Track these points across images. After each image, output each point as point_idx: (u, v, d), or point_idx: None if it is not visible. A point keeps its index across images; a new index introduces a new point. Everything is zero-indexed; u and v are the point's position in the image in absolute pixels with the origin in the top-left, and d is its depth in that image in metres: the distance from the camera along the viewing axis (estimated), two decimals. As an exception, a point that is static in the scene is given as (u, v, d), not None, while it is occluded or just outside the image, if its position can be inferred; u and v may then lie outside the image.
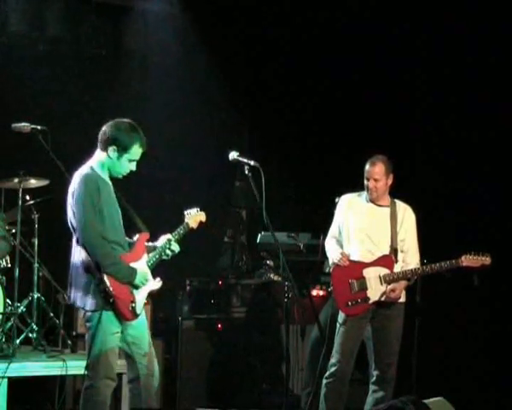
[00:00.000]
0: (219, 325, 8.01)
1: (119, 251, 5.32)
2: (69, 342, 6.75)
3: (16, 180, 6.62)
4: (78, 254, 5.29)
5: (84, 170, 5.37)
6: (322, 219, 6.69)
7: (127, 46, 8.94)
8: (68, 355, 6.42)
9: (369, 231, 6.27)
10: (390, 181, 6.29)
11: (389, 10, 8.50)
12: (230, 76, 8.91)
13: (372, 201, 6.32)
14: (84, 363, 6.16)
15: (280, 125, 9.03)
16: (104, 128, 5.42)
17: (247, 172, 5.51)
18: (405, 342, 6.48)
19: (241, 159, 5.57)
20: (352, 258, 6.23)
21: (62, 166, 6.37)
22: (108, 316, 5.27)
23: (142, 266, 5.41)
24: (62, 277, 7.23)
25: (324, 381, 6.27)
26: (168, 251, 5.54)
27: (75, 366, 6.19)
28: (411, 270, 6.21)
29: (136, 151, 5.39)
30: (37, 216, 6.93)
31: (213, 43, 8.84)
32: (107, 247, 5.25)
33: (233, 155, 5.60)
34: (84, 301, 5.27)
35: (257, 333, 8.10)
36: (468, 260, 6.19)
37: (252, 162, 5.51)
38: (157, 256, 5.51)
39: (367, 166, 6.26)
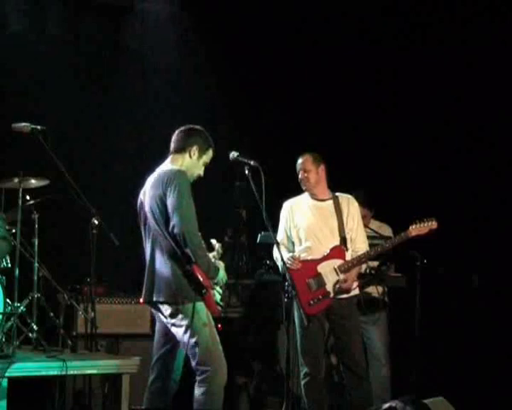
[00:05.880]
0: (219, 325, 8.00)
1: None
2: (69, 342, 6.74)
3: (16, 180, 6.60)
4: (164, 248, 5.21)
5: (174, 167, 5.34)
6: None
7: (127, 46, 8.94)
8: (68, 355, 6.41)
9: (317, 227, 6.32)
10: (322, 172, 6.38)
11: (389, 10, 8.51)
12: (230, 76, 8.91)
13: (313, 197, 6.39)
14: (84, 363, 6.14)
15: (280, 125, 9.03)
16: (179, 132, 5.47)
17: (246, 172, 5.50)
18: (405, 342, 6.48)
19: (241, 159, 5.57)
20: (304, 258, 6.26)
21: (62, 167, 6.39)
22: (201, 306, 5.24)
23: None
24: (62, 277, 7.28)
25: (302, 382, 6.25)
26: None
27: (75, 366, 6.17)
28: (364, 253, 6.27)
29: (211, 155, 5.48)
30: (37, 216, 6.92)
31: (213, 42, 8.84)
32: (200, 238, 5.23)
33: (233, 154, 5.60)
34: (172, 294, 5.19)
35: (257, 333, 8.09)
36: (415, 230, 6.26)
37: (252, 162, 5.51)
38: None
39: (297, 162, 6.44)
